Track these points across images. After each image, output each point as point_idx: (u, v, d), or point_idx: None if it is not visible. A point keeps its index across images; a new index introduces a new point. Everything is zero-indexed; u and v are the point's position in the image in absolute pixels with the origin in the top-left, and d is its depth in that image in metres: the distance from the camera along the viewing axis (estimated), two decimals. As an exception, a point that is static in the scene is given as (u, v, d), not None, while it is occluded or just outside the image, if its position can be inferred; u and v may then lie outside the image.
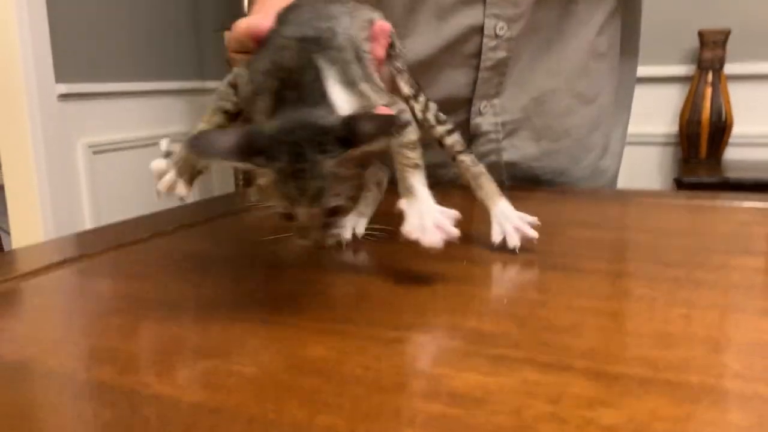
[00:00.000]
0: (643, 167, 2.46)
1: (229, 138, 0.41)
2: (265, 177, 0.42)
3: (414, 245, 0.46)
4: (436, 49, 0.86)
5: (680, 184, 2.02)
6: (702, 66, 2.25)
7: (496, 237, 0.56)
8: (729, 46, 2.23)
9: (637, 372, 0.34)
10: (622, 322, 0.42)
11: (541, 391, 0.33)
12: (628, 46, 1.00)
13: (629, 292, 0.47)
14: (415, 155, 0.48)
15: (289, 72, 0.44)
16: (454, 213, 0.46)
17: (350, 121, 0.41)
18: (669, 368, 0.35)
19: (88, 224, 2.59)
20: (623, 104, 1.02)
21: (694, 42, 2.26)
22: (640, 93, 2.59)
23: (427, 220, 0.46)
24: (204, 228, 0.73)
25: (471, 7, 0.86)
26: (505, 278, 0.52)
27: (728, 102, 2.23)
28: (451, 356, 0.37)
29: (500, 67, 0.88)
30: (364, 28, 0.52)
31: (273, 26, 0.50)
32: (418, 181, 0.47)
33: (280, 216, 0.43)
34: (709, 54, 2.23)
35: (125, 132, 2.74)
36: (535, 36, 0.89)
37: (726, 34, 2.21)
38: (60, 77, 2.43)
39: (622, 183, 1.05)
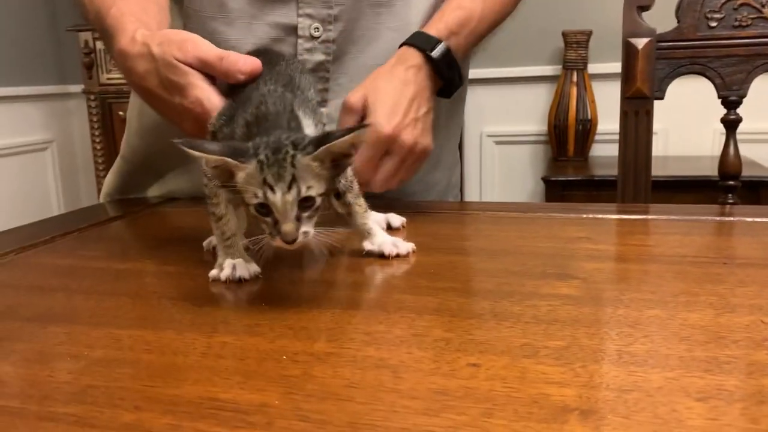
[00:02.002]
0: (516, 166, 2.50)
1: (219, 144, 0.50)
2: (243, 171, 0.47)
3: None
4: (250, 45, 0.79)
5: (548, 183, 2.06)
6: (567, 66, 2.30)
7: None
8: (591, 46, 2.30)
9: (391, 454, 0.30)
10: (403, 379, 0.37)
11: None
12: None
13: (424, 336, 0.43)
14: (364, 204, 0.61)
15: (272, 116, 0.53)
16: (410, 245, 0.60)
17: (322, 132, 0.53)
18: (430, 444, 0.30)
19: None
20: (454, 116, 0.98)
21: (559, 42, 2.32)
22: (512, 93, 2.65)
23: (389, 244, 0.60)
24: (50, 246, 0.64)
25: (284, 5, 0.80)
26: (298, 324, 0.46)
27: (593, 100, 2.31)
28: (181, 446, 0.31)
29: (320, 71, 0.83)
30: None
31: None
32: (372, 222, 0.61)
33: (255, 209, 0.48)
34: (573, 54, 2.29)
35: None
36: (359, 41, 0.84)
37: (588, 34, 2.28)
38: None
39: (497, 181, 1.03)
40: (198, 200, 0.59)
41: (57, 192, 2.91)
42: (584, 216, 0.75)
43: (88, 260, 0.66)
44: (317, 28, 0.81)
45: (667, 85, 1.00)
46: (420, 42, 0.78)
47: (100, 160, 2.51)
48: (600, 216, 0.75)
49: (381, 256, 0.60)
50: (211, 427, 0.33)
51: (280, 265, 0.57)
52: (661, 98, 1.00)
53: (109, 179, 0.97)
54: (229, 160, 0.47)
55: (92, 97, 2.46)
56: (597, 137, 2.34)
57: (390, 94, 0.75)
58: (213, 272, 0.55)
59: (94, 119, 2.47)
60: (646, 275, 0.55)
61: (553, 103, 2.35)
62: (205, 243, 0.64)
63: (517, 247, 0.63)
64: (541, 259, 0.59)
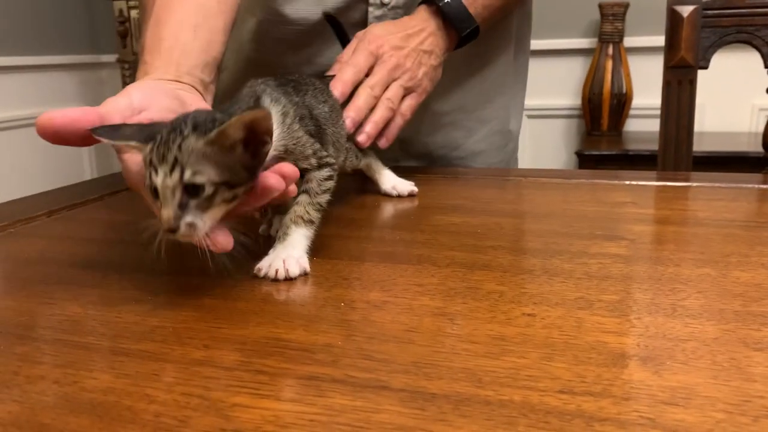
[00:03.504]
0: (548, 140, 2.48)
1: (136, 127, 0.46)
2: (143, 154, 0.43)
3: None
4: (320, 16, 0.81)
5: (581, 157, 2.04)
6: (602, 39, 2.27)
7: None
8: (628, 19, 2.25)
9: (457, 390, 0.31)
10: (460, 325, 0.38)
11: (344, 420, 0.28)
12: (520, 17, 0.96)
13: (477, 288, 0.44)
14: (313, 213, 0.50)
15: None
16: (306, 267, 0.47)
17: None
18: (493, 383, 0.31)
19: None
20: (521, 74, 0.99)
21: (595, 14, 2.28)
22: (545, 66, 2.61)
23: (278, 261, 0.47)
24: (101, 203, 0.66)
25: None
26: (351, 275, 0.47)
27: (628, 75, 2.27)
28: (252, 380, 0.32)
29: None
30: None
31: None
32: (297, 233, 0.49)
33: (148, 191, 0.43)
34: (609, 27, 2.25)
35: (11, 110, 2.55)
36: None
37: (625, 6, 2.23)
38: (-70, 50, 2.23)
39: (528, 156, 1.03)
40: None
41: (90, 158, 2.96)
42: (627, 182, 0.75)
43: (144, 216, 0.67)
44: None
45: (712, 54, 0.99)
46: None
47: (134, 129, 2.54)
48: (643, 183, 0.75)
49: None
50: (279, 363, 0.34)
51: (327, 223, 0.58)
52: (706, 68, 0.99)
53: None
54: (134, 143, 0.44)
55: (126, 65, 2.49)
56: (632, 112, 2.31)
57: (389, 25, 0.77)
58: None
59: (129, 88, 2.49)
60: (695, 237, 0.55)
61: (587, 76, 2.31)
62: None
63: (563, 211, 0.64)
64: (588, 222, 0.59)
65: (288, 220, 0.50)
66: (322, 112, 0.58)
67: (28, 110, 2.61)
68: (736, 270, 0.46)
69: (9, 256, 0.55)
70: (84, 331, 0.39)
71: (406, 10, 0.83)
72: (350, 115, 0.69)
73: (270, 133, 0.44)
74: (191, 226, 0.42)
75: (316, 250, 0.50)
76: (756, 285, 0.43)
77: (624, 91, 2.25)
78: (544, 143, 2.48)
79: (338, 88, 0.70)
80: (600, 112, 2.29)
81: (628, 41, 2.28)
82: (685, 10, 0.97)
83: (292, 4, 0.82)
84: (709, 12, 0.98)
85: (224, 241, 0.44)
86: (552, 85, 2.40)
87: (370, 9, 0.82)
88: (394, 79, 0.75)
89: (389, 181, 0.73)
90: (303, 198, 0.51)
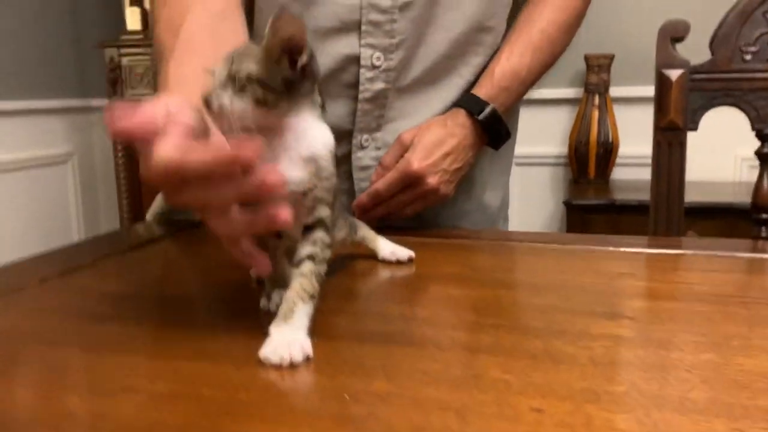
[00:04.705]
0: (535, 187, 2.50)
1: None
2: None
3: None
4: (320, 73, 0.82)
5: (569, 207, 2.06)
6: (589, 89, 2.31)
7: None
8: (613, 69, 2.30)
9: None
10: (469, 423, 0.37)
11: None
12: None
13: (482, 375, 0.43)
14: (317, 287, 0.49)
15: None
16: (309, 352, 0.46)
17: None
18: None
19: (-46, 256, 2.36)
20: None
21: (581, 65, 2.32)
22: (533, 115, 2.65)
23: (283, 347, 0.46)
24: (94, 269, 0.70)
25: (347, 36, 0.82)
26: (353, 360, 0.47)
27: (614, 124, 2.31)
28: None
29: (379, 99, 0.85)
30: None
31: None
32: (301, 311, 0.48)
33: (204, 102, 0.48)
34: (595, 77, 2.29)
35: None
36: (417, 68, 0.86)
37: (610, 58, 2.28)
38: None
39: (516, 203, 1.04)
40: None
41: (77, 204, 2.94)
42: (622, 250, 0.75)
43: (136, 286, 0.66)
44: (379, 57, 0.83)
45: (701, 116, 1.01)
46: (470, 105, 0.86)
47: (122, 175, 2.53)
48: (638, 250, 0.76)
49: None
50: (286, 469, 0.33)
51: (325, 295, 0.57)
52: (695, 129, 1.00)
53: (158, 199, 0.98)
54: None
55: (116, 112, 2.49)
56: (618, 160, 2.34)
57: (433, 140, 0.83)
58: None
59: (118, 134, 2.49)
60: (695, 316, 0.55)
61: (574, 125, 2.35)
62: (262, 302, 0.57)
63: (561, 282, 0.64)
64: (587, 296, 0.59)
65: (294, 294, 0.49)
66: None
67: (14, 154, 2.60)
68: (739, 355, 0.46)
69: (2, 334, 0.54)
70: (83, 426, 0.38)
71: (398, 73, 0.85)
72: (361, 203, 0.80)
73: (304, 47, 0.48)
74: (221, 106, 0.47)
75: (316, 329, 0.49)
76: (761, 375, 0.43)
77: (610, 140, 2.29)
78: (531, 190, 2.50)
79: (366, 203, 0.83)
80: (587, 161, 2.31)
81: (614, 91, 2.32)
82: (674, 74, 0.99)
83: None
84: (697, 76, 1.00)
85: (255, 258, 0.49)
86: (539, 133, 2.44)
87: (362, 71, 0.84)
88: (418, 198, 0.84)
89: (387, 247, 0.72)
90: (308, 267, 0.50)
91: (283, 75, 0.49)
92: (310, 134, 0.51)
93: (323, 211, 0.51)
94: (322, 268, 0.51)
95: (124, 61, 2.45)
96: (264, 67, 0.48)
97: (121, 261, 0.76)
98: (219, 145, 0.46)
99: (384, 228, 0.74)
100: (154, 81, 2.27)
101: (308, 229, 0.51)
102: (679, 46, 1.01)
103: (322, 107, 0.53)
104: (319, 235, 0.51)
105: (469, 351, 0.47)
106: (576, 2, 0.93)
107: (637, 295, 0.60)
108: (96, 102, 2.92)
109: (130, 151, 2.51)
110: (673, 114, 1.00)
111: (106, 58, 2.45)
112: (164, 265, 0.78)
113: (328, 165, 0.51)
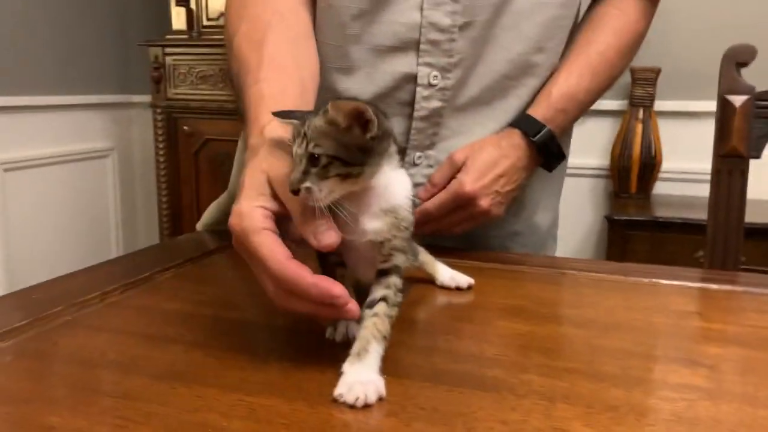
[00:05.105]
0: (575, 199, 2.47)
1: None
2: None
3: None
4: (370, 94, 0.82)
5: (611, 222, 2.03)
6: (633, 102, 2.27)
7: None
8: (659, 83, 2.26)
9: None
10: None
11: None
12: None
13: (566, 431, 0.42)
14: (389, 328, 0.50)
15: None
16: (383, 393, 0.46)
17: None
18: None
19: (-3, 247, 2.41)
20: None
21: (627, 78, 2.29)
22: (575, 125, 2.61)
23: (358, 387, 0.46)
24: (151, 285, 0.71)
25: (405, 54, 0.82)
26: (428, 404, 0.46)
27: (658, 138, 2.27)
28: None
29: (434, 117, 0.84)
30: None
31: None
32: (375, 350, 0.48)
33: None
34: (640, 91, 2.25)
35: (41, 148, 2.58)
36: (474, 87, 0.85)
37: (656, 72, 2.24)
38: (-32, 90, 2.27)
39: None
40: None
41: (115, 198, 2.98)
42: (688, 285, 0.73)
43: (195, 305, 0.66)
44: (436, 76, 0.82)
45: (764, 144, 0.98)
46: (526, 126, 0.84)
47: (162, 172, 2.55)
48: (704, 285, 0.74)
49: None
50: None
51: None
52: (758, 158, 0.98)
53: (211, 210, 0.98)
54: (295, 121, 0.51)
55: (158, 110, 2.51)
56: (660, 175, 2.30)
57: (486, 161, 0.81)
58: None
59: (159, 132, 2.52)
60: (776, 367, 0.53)
61: (617, 138, 2.31)
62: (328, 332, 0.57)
63: (630, 321, 0.62)
64: (659, 339, 0.58)
65: (367, 333, 0.49)
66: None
67: (57, 148, 2.64)
68: (831, 418, 0.44)
69: (74, 356, 0.54)
70: (164, 470, 0.38)
71: (455, 92, 0.84)
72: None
73: (370, 121, 0.48)
74: (309, 190, 0.48)
75: (385, 365, 0.49)
76: None
77: (653, 154, 2.25)
78: (570, 202, 2.46)
79: (416, 218, 0.80)
80: (629, 175, 2.28)
81: (659, 105, 2.28)
82: (738, 100, 0.97)
83: (344, 81, 0.83)
84: (762, 102, 0.97)
85: (330, 236, 0.49)
86: (580, 144, 2.38)
87: (419, 89, 0.83)
88: (468, 219, 0.83)
89: (446, 273, 0.72)
90: (381, 308, 0.50)
91: (358, 144, 0.49)
92: (391, 189, 0.51)
93: (399, 259, 0.52)
94: (394, 312, 0.51)
95: (168, 60, 2.47)
96: (338, 143, 0.48)
97: (176, 275, 0.76)
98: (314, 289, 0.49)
99: (431, 246, 0.73)
100: (225, 81, 2.30)
101: (383, 273, 0.52)
102: (743, 71, 0.99)
103: (401, 152, 0.53)
104: (394, 280, 0.51)
105: (547, 399, 0.46)
106: (637, 26, 0.91)
107: (710, 339, 0.58)
108: (137, 98, 2.95)
109: (172, 150, 2.53)
110: (736, 141, 0.97)
111: (150, 56, 2.47)
112: (221, 282, 0.78)
113: (407, 215, 0.52)
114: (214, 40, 2.40)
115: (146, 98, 2.65)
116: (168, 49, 2.45)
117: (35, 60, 2.54)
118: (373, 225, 0.50)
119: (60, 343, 0.56)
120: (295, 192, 0.48)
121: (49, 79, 2.60)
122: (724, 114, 0.98)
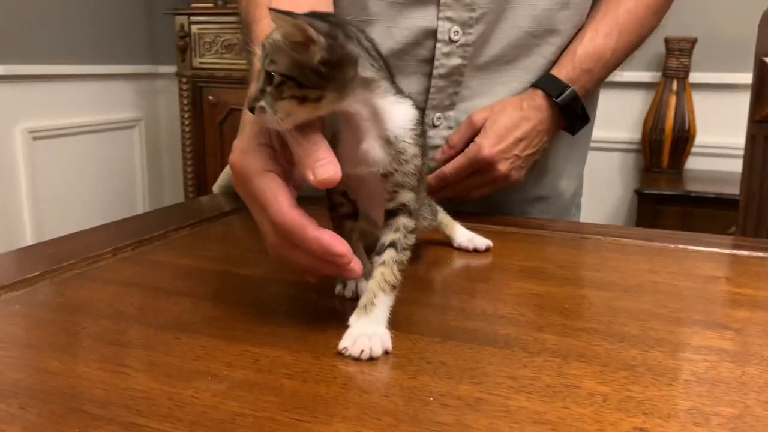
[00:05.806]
0: (605, 174, 2.41)
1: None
2: None
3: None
4: (387, 50, 0.79)
5: (641, 196, 1.98)
6: (667, 74, 2.21)
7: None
8: (695, 54, 2.19)
9: None
10: (566, 440, 0.34)
11: None
12: None
13: (577, 387, 0.40)
14: (398, 277, 0.47)
15: None
16: (389, 346, 0.45)
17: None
18: None
19: (26, 213, 2.45)
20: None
21: (660, 48, 2.22)
22: (605, 97, 2.55)
23: (363, 339, 0.44)
24: (165, 242, 0.69)
25: (424, 8, 0.79)
26: (435, 358, 0.44)
27: (692, 111, 2.20)
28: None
29: (454, 76, 0.82)
30: None
31: None
32: (382, 303, 0.46)
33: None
34: (675, 62, 2.19)
35: (68, 117, 2.60)
36: (496, 45, 0.82)
37: (692, 42, 2.17)
38: (-2, 57, 2.29)
39: (585, 189, 1.00)
40: (311, 200, 0.56)
41: (142, 167, 3.00)
42: (716, 251, 0.70)
43: (208, 262, 0.66)
44: (457, 31, 0.79)
45: (803, 109, 0.93)
46: (549, 87, 0.81)
47: (188, 142, 2.56)
48: (733, 252, 0.71)
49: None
50: (374, 480, 0.31)
51: (402, 286, 0.55)
52: (795, 123, 0.93)
53: (227, 171, 0.97)
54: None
55: (184, 79, 2.51)
56: (693, 149, 2.24)
57: (506, 124, 0.79)
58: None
59: (185, 102, 2.52)
60: (806, 331, 0.50)
61: (649, 111, 2.25)
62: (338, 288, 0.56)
63: (653, 284, 0.60)
64: (683, 302, 0.55)
65: (375, 285, 0.47)
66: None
67: (84, 118, 2.66)
68: None
69: (81, 306, 0.54)
70: (160, 414, 0.37)
71: (476, 49, 0.81)
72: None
73: (313, 42, 0.43)
74: (262, 109, 0.45)
75: (394, 321, 0.47)
76: None
77: (687, 128, 2.19)
78: (600, 176, 2.41)
79: (432, 185, 0.80)
80: (660, 149, 2.22)
81: (694, 77, 2.21)
82: (776, 63, 0.92)
83: None
84: (802, 65, 0.92)
85: (328, 170, 0.45)
86: (611, 117, 2.34)
87: (438, 45, 0.80)
88: (487, 184, 0.81)
89: (464, 234, 0.70)
90: (390, 254, 0.47)
91: (311, 67, 0.44)
92: (386, 116, 0.47)
93: (406, 196, 0.48)
94: (405, 256, 0.48)
95: (194, 29, 2.46)
96: (293, 63, 0.44)
97: (190, 234, 0.75)
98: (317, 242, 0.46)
99: (451, 210, 0.71)
100: (240, 53, 2.28)
101: (390, 214, 0.49)
102: (783, 33, 0.94)
103: (421, 111, 0.49)
104: (402, 221, 0.48)
105: (561, 357, 0.44)
106: None
107: (737, 303, 0.56)
108: (163, 69, 2.95)
109: (198, 120, 2.54)
110: (773, 105, 0.93)
111: (176, 25, 2.47)
112: (234, 241, 0.77)
113: (409, 147, 0.47)
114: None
115: (172, 69, 2.65)
116: (193, 18, 2.44)
117: (62, 29, 2.55)
118: (372, 154, 0.47)
119: (68, 294, 0.56)
120: (251, 110, 0.46)
121: (76, 49, 2.61)
122: (761, 77, 0.93)
